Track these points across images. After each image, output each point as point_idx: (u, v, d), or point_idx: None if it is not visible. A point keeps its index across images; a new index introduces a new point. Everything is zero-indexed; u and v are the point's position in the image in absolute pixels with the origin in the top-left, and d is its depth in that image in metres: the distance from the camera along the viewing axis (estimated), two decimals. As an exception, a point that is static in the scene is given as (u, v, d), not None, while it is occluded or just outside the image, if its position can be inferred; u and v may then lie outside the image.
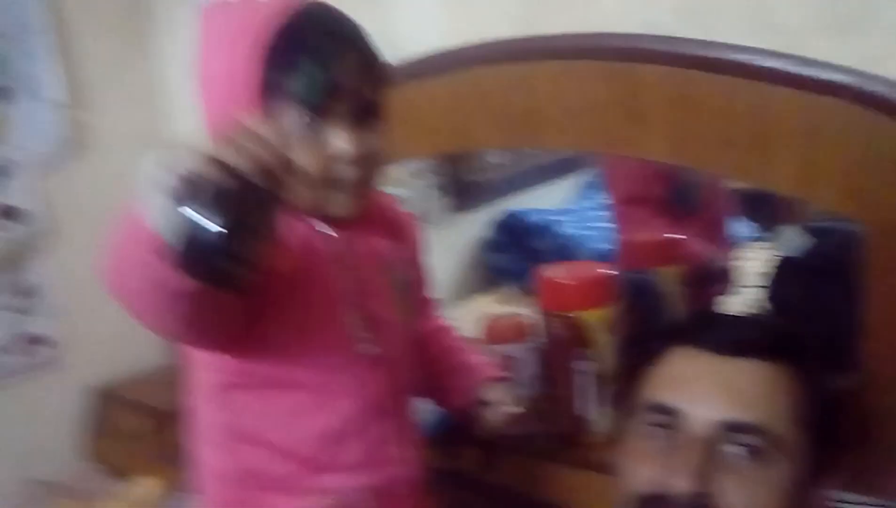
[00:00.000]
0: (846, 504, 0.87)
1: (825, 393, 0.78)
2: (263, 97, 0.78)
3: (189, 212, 0.64)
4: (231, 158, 0.62)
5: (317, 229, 0.85)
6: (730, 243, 1.85)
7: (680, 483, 0.72)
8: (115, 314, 2.14)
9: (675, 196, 1.78)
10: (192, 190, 0.63)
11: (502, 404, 1.03)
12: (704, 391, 0.75)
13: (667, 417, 0.77)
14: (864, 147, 1.00)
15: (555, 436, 1.24)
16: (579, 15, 1.21)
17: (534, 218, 2.43)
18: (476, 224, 2.46)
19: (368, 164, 0.83)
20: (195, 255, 0.65)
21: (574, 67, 1.21)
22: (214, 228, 0.63)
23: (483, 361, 1.08)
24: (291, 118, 0.78)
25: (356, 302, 0.85)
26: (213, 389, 0.86)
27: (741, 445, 0.73)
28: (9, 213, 1.76)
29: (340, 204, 0.83)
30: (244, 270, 0.67)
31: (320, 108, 0.79)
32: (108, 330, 1.90)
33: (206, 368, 0.86)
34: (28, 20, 1.75)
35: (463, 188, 2.34)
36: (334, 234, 0.85)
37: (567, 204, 2.75)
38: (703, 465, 0.73)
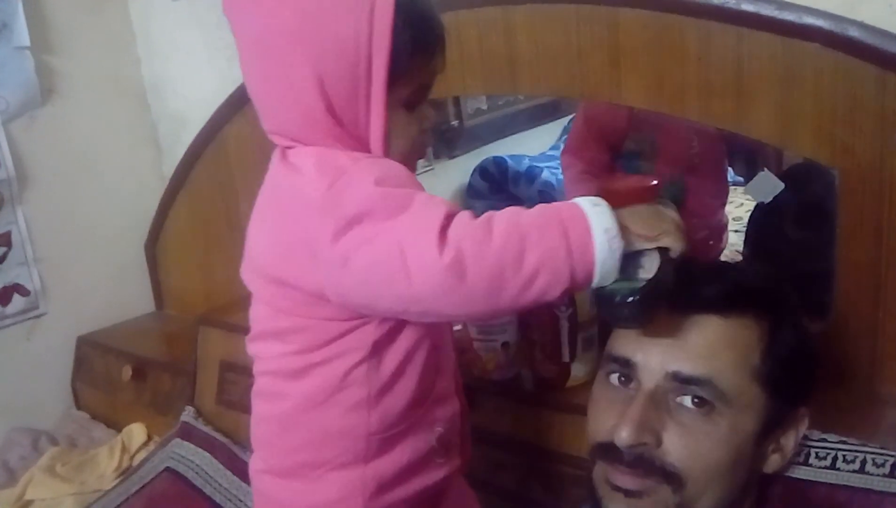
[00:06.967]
0: (822, 444, 0.89)
1: (787, 344, 0.78)
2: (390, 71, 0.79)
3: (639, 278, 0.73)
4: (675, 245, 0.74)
5: None
6: (724, 193, 1.85)
7: (622, 434, 0.74)
8: (92, 263, 2.13)
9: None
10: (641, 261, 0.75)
11: None
12: (656, 343, 0.77)
13: (625, 368, 0.78)
14: (839, 92, 1.00)
15: (535, 380, 1.26)
16: (557, -42, 1.19)
17: (515, 164, 2.43)
18: (457, 171, 2.45)
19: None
20: (629, 311, 0.72)
21: (552, 10, 1.19)
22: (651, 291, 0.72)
23: None
24: (410, 96, 0.82)
25: None
26: (360, 352, 0.86)
27: (689, 397, 0.74)
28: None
29: (415, 166, 0.90)
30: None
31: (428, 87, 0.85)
32: (85, 279, 1.90)
33: (355, 349, 0.85)
34: (-5, -38, 1.69)
35: (444, 135, 2.32)
36: None
37: (548, 150, 2.75)
38: (645, 415, 0.74)
